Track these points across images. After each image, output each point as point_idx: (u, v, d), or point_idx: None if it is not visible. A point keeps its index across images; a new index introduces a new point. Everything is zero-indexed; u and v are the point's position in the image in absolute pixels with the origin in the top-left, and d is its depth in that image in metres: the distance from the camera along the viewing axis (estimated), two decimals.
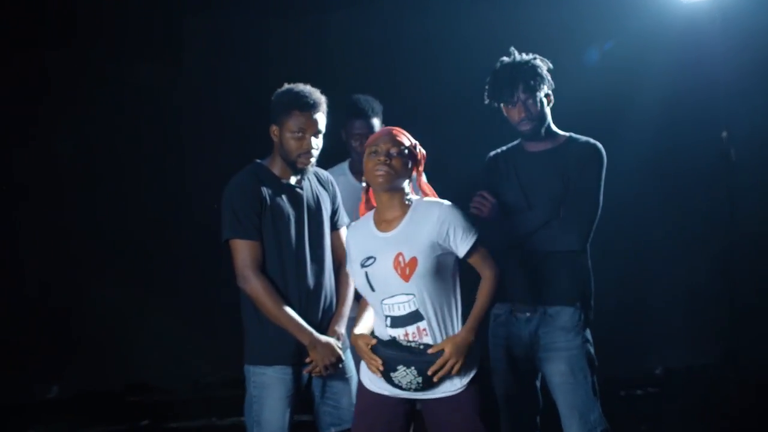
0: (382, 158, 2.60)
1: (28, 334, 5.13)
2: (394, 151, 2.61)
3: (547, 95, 3.04)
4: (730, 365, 4.91)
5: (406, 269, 2.56)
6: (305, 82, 2.98)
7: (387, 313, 2.61)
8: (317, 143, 2.93)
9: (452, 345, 2.54)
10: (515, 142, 3.16)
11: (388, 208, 2.66)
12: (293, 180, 2.98)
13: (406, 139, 2.66)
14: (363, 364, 2.69)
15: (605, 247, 3.14)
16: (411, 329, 2.59)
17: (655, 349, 5.37)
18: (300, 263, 2.92)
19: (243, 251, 2.87)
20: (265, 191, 2.90)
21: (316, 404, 2.98)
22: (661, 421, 4.51)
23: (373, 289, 2.61)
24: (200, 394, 5.31)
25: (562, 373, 2.98)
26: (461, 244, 2.59)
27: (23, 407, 5.02)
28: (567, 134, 3.09)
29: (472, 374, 2.61)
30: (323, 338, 2.88)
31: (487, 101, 3.09)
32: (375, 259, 2.61)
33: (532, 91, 2.98)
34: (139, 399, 5.24)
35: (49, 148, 5.25)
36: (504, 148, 3.19)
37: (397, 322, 2.60)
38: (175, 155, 5.40)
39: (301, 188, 2.98)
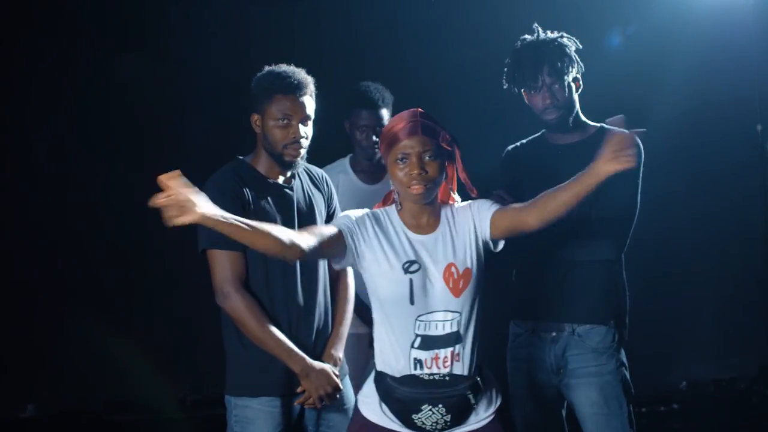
0: (416, 170, 2.23)
1: (2, 350, 4.87)
2: (427, 154, 2.24)
3: (575, 79, 2.77)
4: (763, 379, 4.71)
5: (459, 282, 2.24)
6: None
7: (420, 331, 2.24)
8: (306, 131, 2.62)
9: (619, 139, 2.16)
10: (538, 134, 2.90)
11: (421, 212, 2.32)
12: (281, 179, 2.67)
13: (437, 131, 2.29)
14: (363, 393, 2.35)
15: (627, 250, 2.88)
16: (444, 353, 2.24)
17: (679, 362, 5.19)
18: (289, 276, 2.60)
19: (222, 264, 2.56)
20: (248, 192, 2.59)
21: None
22: None
23: (413, 303, 2.23)
24: (187, 413, 5.11)
25: (594, 402, 2.71)
26: (486, 212, 2.32)
27: None
28: (597, 125, 2.81)
29: (497, 404, 2.31)
30: (317, 364, 2.56)
31: (506, 86, 2.82)
32: (419, 265, 2.25)
33: (559, 74, 2.70)
34: (121, 418, 5.02)
35: (24, 147, 4.98)
36: (525, 140, 2.93)
37: (431, 343, 2.24)
38: (159, 153, 5.01)
39: (291, 188, 2.67)
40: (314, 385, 2.52)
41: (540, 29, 2.78)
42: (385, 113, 3.34)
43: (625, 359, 2.76)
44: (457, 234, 2.31)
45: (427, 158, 2.24)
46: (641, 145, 2.71)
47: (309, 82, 2.63)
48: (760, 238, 4.76)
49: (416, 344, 2.23)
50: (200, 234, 2.59)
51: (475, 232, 2.30)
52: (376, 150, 3.33)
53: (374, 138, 3.32)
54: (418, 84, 4.69)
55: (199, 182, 2.64)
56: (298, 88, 2.59)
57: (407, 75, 4.73)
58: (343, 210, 2.82)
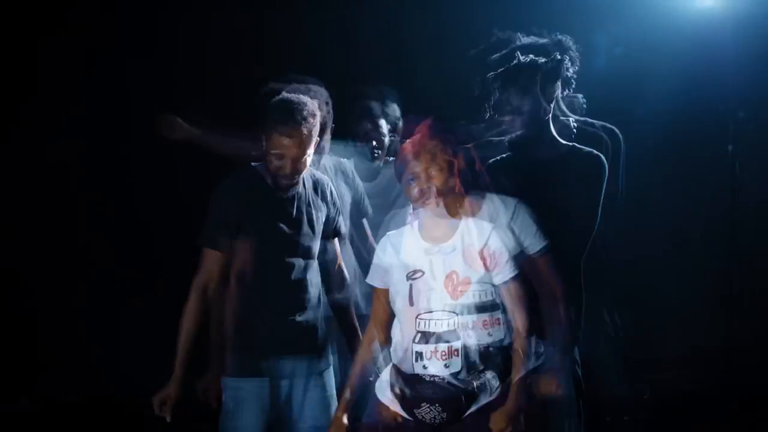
0: (424, 185, 2.48)
1: (39, 345, 5.09)
2: (433, 170, 2.49)
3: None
4: (724, 392, 4.86)
5: (458, 287, 2.48)
6: (311, 74, 2.92)
7: (421, 328, 2.48)
8: (303, 160, 2.75)
9: (501, 418, 2.46)
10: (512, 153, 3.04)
11: (436, 225, 2.55)
12: (285, 188, 2.82)
13: (440, 145, 2.51)
14: (381, 379, 2.59)
15: (597, 262, 3.04)
16: (442, 347, 2.47)
17: (644, 373, 5.18)
18: (282, 278, 2.80)
19: (204, 259, 2.80)
20: (251, 199, 2.77)
21: (292, 423, 2.86)
22: None
23: (412, 304, 2.49)
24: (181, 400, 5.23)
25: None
26: (501, 272, 2.52)
27: None
28: (570, 144, 2.99)
29: (496, 392, 2.53)
30: (176, 383, 2.81)
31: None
32: (423, 273, 2.50)
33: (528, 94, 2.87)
34: (116, 408, 5.07)
35: (35, 148, 5.10)
36: (504, 155, 3.07)
37: (430, 338, 2.48)
38: (166, 157, 4.97)
39: (293, 198, 2.83)
40: (164, 395, 2.80)
41: (519, 53, 2.89)
42: (383, 123, 3.68)
43: (578, 356, 2.93)
44: (467, 247, 2.51)
45: (433, 173, 2.48)
46: (606, 164, 2.92)
47: (309, 115, 2.71)
48: (723, 261, 4.92)
49: (416, 339, 2.48)
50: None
51: (484, 256, 2.49)
52: (375, 155, 3.65)
53: (373, 143, 3.64)
54: (417, 90, 4.68)
55: (213, 185, 2.88)
56: (294, 126, 2.67)
57: (408, 81, 4.73)
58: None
